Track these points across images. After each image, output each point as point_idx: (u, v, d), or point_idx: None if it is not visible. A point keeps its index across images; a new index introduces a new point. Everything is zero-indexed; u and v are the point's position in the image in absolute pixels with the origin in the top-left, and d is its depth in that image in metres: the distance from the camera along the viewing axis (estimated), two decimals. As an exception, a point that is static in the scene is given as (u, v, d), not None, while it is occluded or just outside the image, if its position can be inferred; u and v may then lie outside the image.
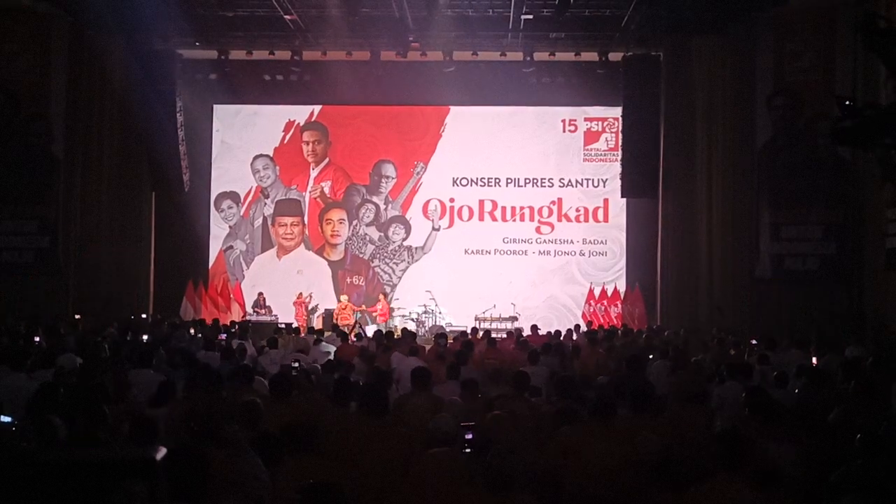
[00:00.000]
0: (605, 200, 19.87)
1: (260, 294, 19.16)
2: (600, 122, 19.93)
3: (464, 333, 14.45)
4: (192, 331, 13.70)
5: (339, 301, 19.12)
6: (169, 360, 9.18)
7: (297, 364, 8.70)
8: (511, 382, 7.60)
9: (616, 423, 5.67)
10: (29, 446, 4.81)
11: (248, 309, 19.11)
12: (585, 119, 19.98)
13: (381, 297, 19.26)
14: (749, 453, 4.43)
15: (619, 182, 18.68)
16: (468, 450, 4.83)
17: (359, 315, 18.60)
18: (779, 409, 6.16)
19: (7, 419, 5.28)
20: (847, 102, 5.59)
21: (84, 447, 4.62)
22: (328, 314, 18.67)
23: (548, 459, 5.37)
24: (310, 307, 19.05)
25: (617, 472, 5.19)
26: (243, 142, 20.48)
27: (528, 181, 20.14)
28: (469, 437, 4.90)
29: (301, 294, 19.23)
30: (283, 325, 16.32)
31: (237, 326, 15.12)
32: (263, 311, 18.82)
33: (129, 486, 3.26)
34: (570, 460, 5.32)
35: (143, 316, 17.18)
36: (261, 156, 20.49)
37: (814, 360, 11.07)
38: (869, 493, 4.15)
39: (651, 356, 10.48)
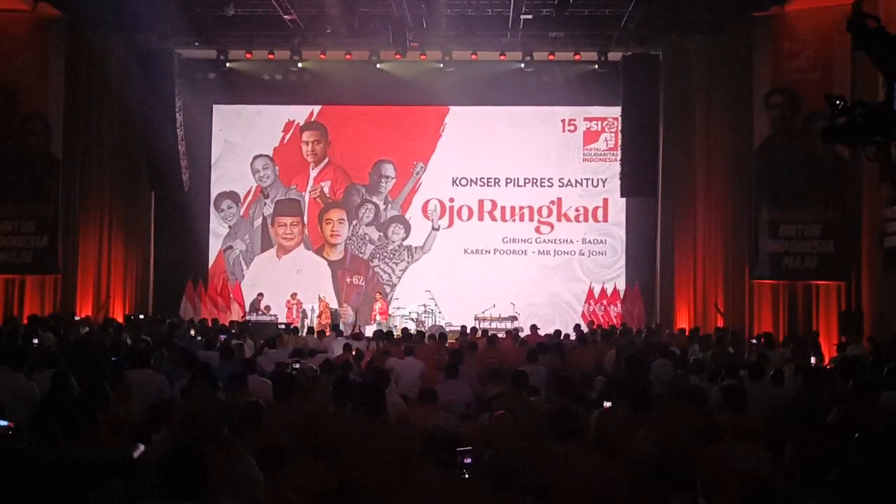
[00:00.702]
0: (605, 200, 19.87)
1: (259, 294, 19.17)
2: (600, 122, 19.94)
3: (463, 333, 14.47)
4: (192, 332, 13.71)
5: (319, 300, 19.11)
6: (171, 360, 9.19)
7: (297, 365, 8.71)
8: (509, 381, 7.62)
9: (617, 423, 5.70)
10: (7, 444, 4.82)
11: (248, 309, 19.12)
12: (585, 119, 19.98)
13: (378, 296, 19.25)
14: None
15: (618, 181, 18.68)
16: (467, 475, 4.78)
17: (348, 319, 18.68)
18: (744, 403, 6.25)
19: (3, 423, 5.29)
20: (838, 102, 5.63)
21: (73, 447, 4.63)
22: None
23: (546, 462, 5.36)
24: (301, 309, 18.99)
25: (615, 475, 5.19)
26: (243, 142, 20.48)
27: (527, 181, 20.15)
28: (468, 461, 4.85)
29: (295, 294, 19.19)
30: (282, 326, 16.30)
31: (237, 327, 15.16)
32: (263, 311, 18.83)
33: (105, 484, 3.29)
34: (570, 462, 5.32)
35: (141, 316, 17.21)
36: (260, 156, 20.49)
37: (812, 359, 11.12)
38: (867, 493, 4.16)
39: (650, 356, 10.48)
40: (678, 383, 8.01)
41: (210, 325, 15.19)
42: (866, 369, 8.55)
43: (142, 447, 3.53)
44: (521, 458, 5.05)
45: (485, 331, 14.81)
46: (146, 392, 7.30)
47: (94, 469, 3.32)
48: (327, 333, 15.07)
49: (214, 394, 6.53)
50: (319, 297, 19.06)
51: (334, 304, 19.38)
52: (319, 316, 18.53)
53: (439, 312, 18.59)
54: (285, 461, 4.71)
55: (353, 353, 11.02)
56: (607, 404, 6.95)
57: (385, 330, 16.12)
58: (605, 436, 5.76)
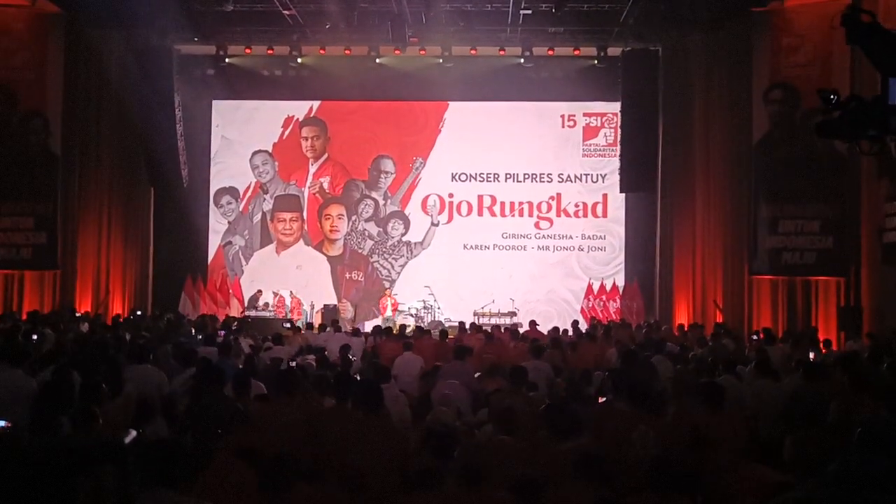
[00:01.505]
0: (604, 195, 19.87)
1: (258, 291, 19.18)
2: (599, 118, 19.93)
3: (462, 329, 14.46)
4: (192, 330, 13.70)
5: (291, 296, 19.14)
6: (174, 355, 9.20)
7: (293, 363, 8.71)
8: (508, 377, 7.62)
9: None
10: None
11: (247, 305, 19.11)
12: (584, 114, 19.96)
13: (387, 291, 19.29)
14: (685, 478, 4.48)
15: (617, 177, 18.67)
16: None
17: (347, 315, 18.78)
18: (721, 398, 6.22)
19: (1, 423, 5.29)
20: (831, 96, 5.62)
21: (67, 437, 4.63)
22: (327, 310, 18.70)
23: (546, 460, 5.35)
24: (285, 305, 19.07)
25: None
26: (242, 137, 20.46)
27: (526, 176, 20.15)
28: None
29: (276, 292, 19.22)
30: (287, 325, 16.24)
31: (236, 322, 15.16)
32: (262, 307, 18.84)
33: (98, 470, 3.32)
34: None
35: (139, 313, 17.22)
36: (260, 151, 20.48)
37: (811, 354, 11.12)
38: (866, 488, 4.16)
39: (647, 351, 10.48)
40: (682, 380, 7.98)
41: (210, 321, 15.15)
42: (863, 364, 8.54)
43: (133, 433, 3.54)
44: (500, 454, 5.05)
45: (478, 327, 14.71)
46: (145, 388, 7.28)
47: (86, 456, 3.34)
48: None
49: (221, 391, 6.50)
50: (291, 293, 19.12)
51: (331, 301, 19.41)
52: (291, 312, 18.61)
53: (438, 308, 18.61)
54: (290, 482, 4.66)
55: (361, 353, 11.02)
56: (602, 399, 6.96)
57: (384, 326, 16.11)
58: (602, 433, 5.75)
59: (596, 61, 18.37)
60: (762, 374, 8.14)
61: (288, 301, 19.07)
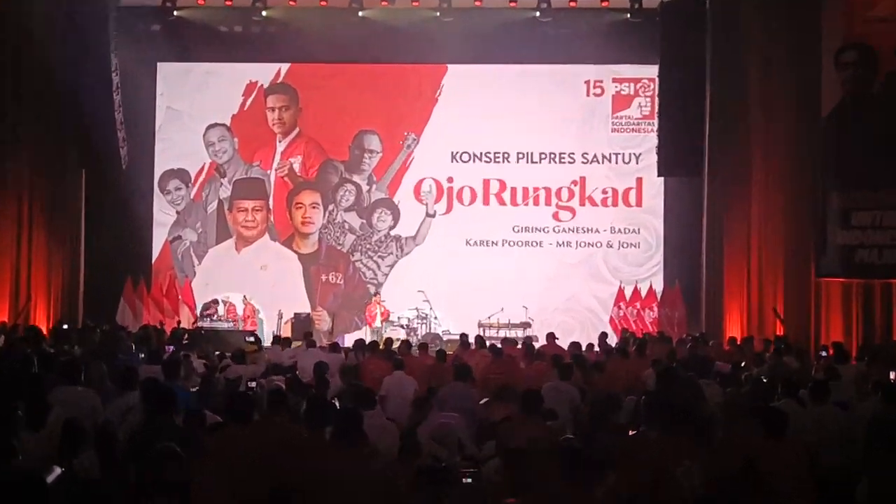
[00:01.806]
0: (639, 180, 19.94)
1: (214, 300, 19.24)
2: (632, 84, 19.97)
3: (464, 343, 14.45)
4: (132, 346, 13.71)
5: (244, 302, 19.25)
6: (111, 376, 9.22)
7: (253, 384, 8.74)
8: (519, 402, 7.62)
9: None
10: None
11: (199, 313, 19.15)
12: (614, 80, 20.02)
13: (376, 298, 19.35)
14: None
15: (654, 157, 18.72)
16: None
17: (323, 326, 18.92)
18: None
19: None
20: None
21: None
22: (298, 320, 18.76)
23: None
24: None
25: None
26: (194, 108, 20.51)
27: (543, 156, 20.21)
28: None
29: (227, 298, 19.32)
30: (251, 338, 16.24)
31: (187, 335, 15.18)
32: (219, 316, 18.89)
33: None
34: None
35: (65, 326, 17.19)
36: (215, 125, 20.52)
37: (892, 374, 11.15)
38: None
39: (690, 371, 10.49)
40: (735, 404, 7.98)
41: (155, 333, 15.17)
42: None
43: (58, 471, 3.59)
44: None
45: (483, 341, 14.67)
46: (75, 413, 7.29)
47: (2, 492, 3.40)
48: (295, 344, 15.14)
49: (171, 418, 6.52)
50: (244, 299, 19.20)
51: (303, 309, 19.46)
52: (244, 319, 18.68)
53: (435, 318, 18.66)
54: None
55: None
56: (633, 431, 6.96)
57: (369, 340, 16.13)
58: (636, 470, 5.74)
59: (629, 15, 18.43)
60: (819, 401, 8.11)
61: (240, 309, 19.14)
